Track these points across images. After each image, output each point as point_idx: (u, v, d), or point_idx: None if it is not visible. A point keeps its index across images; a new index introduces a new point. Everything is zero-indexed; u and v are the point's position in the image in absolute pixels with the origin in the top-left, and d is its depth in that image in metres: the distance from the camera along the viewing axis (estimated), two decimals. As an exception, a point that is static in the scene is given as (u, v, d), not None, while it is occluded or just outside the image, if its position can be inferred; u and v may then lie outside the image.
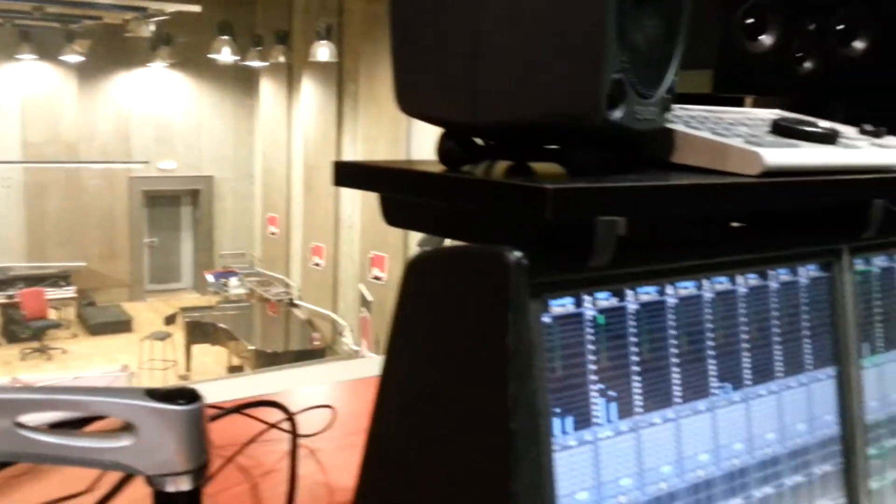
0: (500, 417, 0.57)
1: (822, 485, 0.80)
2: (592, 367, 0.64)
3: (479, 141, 0.72)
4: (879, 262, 0.88)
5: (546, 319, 0.61)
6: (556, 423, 0.61)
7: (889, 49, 1.20)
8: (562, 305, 0.62)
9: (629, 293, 0.67)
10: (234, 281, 12.78)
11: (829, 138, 0.83)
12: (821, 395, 0.81)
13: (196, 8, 10.06)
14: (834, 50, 1.16)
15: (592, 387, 0.64)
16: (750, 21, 1.11)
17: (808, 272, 0.80)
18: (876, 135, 0.95)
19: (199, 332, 10.85)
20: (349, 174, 0.76)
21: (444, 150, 0.71)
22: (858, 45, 1.18)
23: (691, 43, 1.13)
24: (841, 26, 1.17)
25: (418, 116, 0.73)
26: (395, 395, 0.66)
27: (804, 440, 0.79)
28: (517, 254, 0.58)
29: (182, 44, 11.71)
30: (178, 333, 11.17)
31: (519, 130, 0.68)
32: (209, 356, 10.97)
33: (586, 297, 0.64)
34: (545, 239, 0.61)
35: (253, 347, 10.16)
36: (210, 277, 13.47)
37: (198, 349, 10.90)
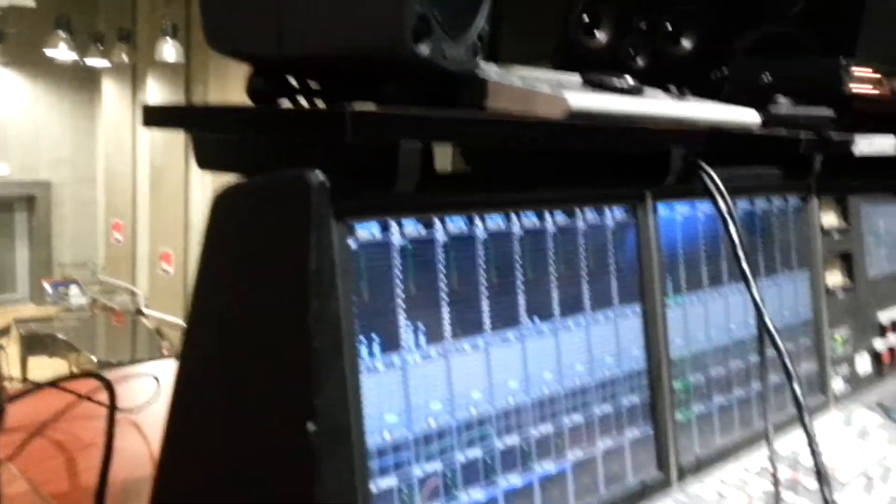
0: (304, 336, 0.57)
1: (630, 415, 0.84)
2: (400, 293, 0.65)
3: (292, 81, 0.72)
4: (682, 208, 0.93)
5: (352, 244, 0.62)
6: (363, 345, 0.62)
7: (713, 48, 1.27)
8: (368, 231, 0.63)
9: (438, 224, 0.68)
10: (74, 290, 12.10)
11: (634, 91, 0.87)
12: (627, 330, 0.85)
13: (30, 2, 9.50)
14: (663, 48, 1.22)
15: (400, 313, 0.65)
16: (586, 18, 1.15)
17: (614, 214, 0.84)
18: (680, 95, 1.01)
19: (36, 344, 10.20)
20: (157, 115, 0.74)
21: (252, 87, 0.70)
22: (686, 43, 1.26)
23: (531, 38, 1.16)
24: (670, 25, 1.23)
25: (228, 54, 0.71)
26: (203, 329, 0.65)
27: (612, 372, 0.83)
28: (319, 175, 0.58)
29: (15, 41, 11.02)
30: (13, 347, 10.49)
31: (327, 64, 0.68)
32: (47, 369, 10.35)
33: (393, 225, 0.65)
34: (351, 166, 0.61)
35: (96, 359, 9.65)
36: (48, 287, 12.72)
37: (34, 362, 10.26)
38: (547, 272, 0.77)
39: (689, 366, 0.92)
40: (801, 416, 0.74)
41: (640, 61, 1.26)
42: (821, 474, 0.70)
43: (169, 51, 10.00)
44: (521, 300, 0.74)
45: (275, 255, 0.60)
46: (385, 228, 0.64)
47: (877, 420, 1.13)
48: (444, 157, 0.95)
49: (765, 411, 0.85)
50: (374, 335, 0.63)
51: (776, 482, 0.78)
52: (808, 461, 0.94)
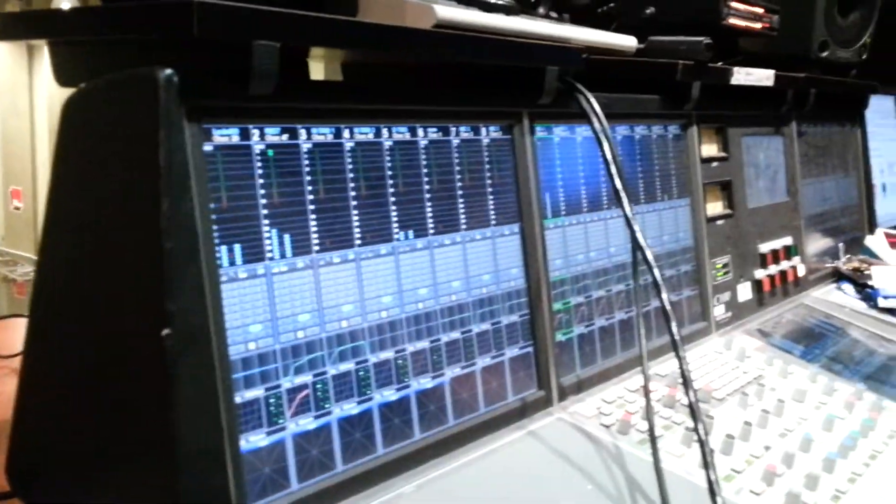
0: (155, 236, 0.55)
1: (510, 333, 0.85)
2: (263, 201, 0.63)
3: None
4: (560, 131, 0.94)
5: (207, 147, 0.60)
6: (224, 253, 0.60)
7: None
8: (226, 135, 0.61)
9: (303, 132, 0.66)
10: (-28, 263, 11.55)
11: (508, 10, 0.87)
12: (505, 250, 0.85)
13: None
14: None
15: (264, 221, 0.63)
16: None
17: (489, 133, 0.84)
18: (559, 20, 1.01)
19: (-68, 319, 9.75)
20: (11, 25, 0.70)
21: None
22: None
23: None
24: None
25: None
26: (58, 233, 0.62)
27: (490, 291, 0.83)
28: (167, 71, 0.55)
29: None
30: None
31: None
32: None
33: (254, 131, 0.63)
34: (206, 65, 0.59)
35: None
36: (-58, 261, 12.09)
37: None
38: (420, 187, 0.76)
39: (570, 287, 0.93)
40: (669, 330, 0.75)
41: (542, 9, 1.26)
42: (686, 380, 0.72)
43: (65, 3, 9.53)
44: (394, 214, 0.73)
45: (125, 156, 0.58)
46: (245, 133, 0.62)
47: (755, 344, 1.17)
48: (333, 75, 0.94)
49: (637, 326, 0.86)
50: (235, 243, 0.61)
51: (647, 394, 0.79)
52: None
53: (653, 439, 0.76)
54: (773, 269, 1.33)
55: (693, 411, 0.69)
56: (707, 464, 0.66)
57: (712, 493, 0.64)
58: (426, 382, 0.75)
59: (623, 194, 0.82)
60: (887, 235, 1.62)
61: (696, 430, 0.68)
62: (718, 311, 1.19)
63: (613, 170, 0.84)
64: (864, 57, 1.64)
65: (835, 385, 1.04)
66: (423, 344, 0.75)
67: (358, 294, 0.70)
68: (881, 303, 1.40)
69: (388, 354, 0.72)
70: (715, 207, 1.22)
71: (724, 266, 1.22)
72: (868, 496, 0.80)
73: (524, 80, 0.86)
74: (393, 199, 0.74)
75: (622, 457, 0.80)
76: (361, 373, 0.70)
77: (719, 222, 1.21)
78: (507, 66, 0.84)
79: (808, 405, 0.98)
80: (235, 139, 0.62)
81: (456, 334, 0.79)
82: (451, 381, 0.78)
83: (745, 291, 1.26)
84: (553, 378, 0.88)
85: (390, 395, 0.72)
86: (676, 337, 0.74)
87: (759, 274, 1.30)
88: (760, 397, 0.98)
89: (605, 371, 0.96)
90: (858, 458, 0.87)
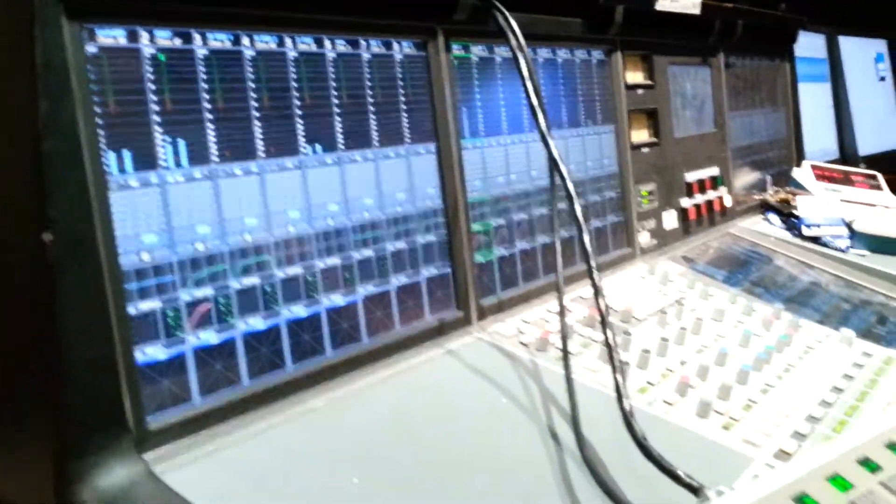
0: (33, 138, 0.52)
1: (426, 253, 0.84)
2: (156, 107, 0.61)
3: None
4: (478, 51, 0.92)
5: (92, 49, 0.57)
6: (113, 160, 0.58)
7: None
8: (111, 36, 0.58)
9: (197, 37, 0.64)
10: None
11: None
12: (421, 168, 0.84)
13: None
14: None
15: (157, 128, 0.61)
16: None
17: (402, 48, 0.82)
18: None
19: None
20: None
21: None
22: None
23: None
24: None
25: None
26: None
27: (405, 209, 0.82)
28: (41, -36, 0.52)
29: None
30: None
31: None
32: None
33: (143, 33, 0.60)
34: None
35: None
36: None
37: None
38: (329, 101, 0.74)
39: (490, 209, 0.92)
40: (580, 242, 0.75)
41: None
42: (595, 287, 0.71)
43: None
44: (300, 127, 0.71)
45: (2, 55, 0.55)
46: (133, 35, 0.59)
47: (679, 269, 1.18)
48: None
49: (555, 246, 0.86)
50: (124, 149, 0.59)
51: (562, 311, 0.79)
52: (609, 300, 0.97)
53: (565, 351, 0.76)
54: (699, 198, 1.34)
55: (602, 318, 0.69)
56: (614, 368, 0.66)
57: (619, 395, 0.64)
58: (338, 300, 0.74)
59: (539, 111, 0.81)
60: (814, 168, 1.64)
61: (604, 334, 0.68)
62: (644, 238, 1.19)
63: (529, 86, 0.83)
64: (792, -10, 1.65)
65: (754, 306, 1.06)
66: (335, 261, 0.74)
67: (263, 207, 0.68)
68: (805, 231, 1.42)
69: (296, 270, 0.71)
70: (640, 135, 1.22)
71: (650, 193, 1.22)
72: (779, 406, 0.81)
73: (438, -5, 0.84)
74: (300, 112, 0.71)
75: (538, 372, 0.80)
76: (267, 288, 0.68)
77: (645, 150, 1.21)
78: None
79: (727, 324, 0.99)
80: (123, 41, 0.59)
81: (369, 252, 0.77)
82: (364, 299, 0.77)
83: (670, 219, 1.27)
84: (472, 299, 0.88)
85: (299, 311, 0.71)
86: (588, 247, 0.73)
87: (686, 203, 1.31)
88: (680, 317, 0.99)
89: (527, 293, 0.95)
90: (772, 371, 0.88)
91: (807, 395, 0.84)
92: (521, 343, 0.86)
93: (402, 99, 0.82)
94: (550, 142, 0.80)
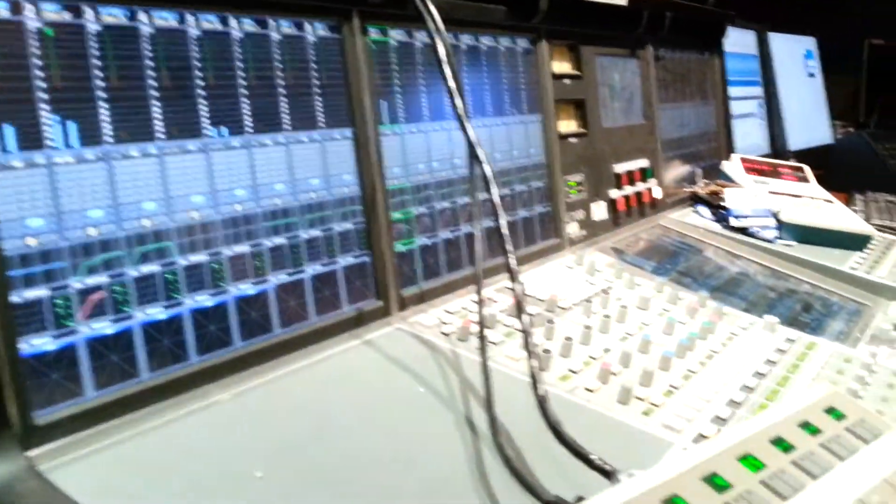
0: None
1: (343, 241, 0.81)
2: (42, 84, 0.57)
3: None
4: (397, 35, 0.90)
5: (-32, 19, 0.53)
6: (-8, 138, 0.54)
7: None
8: (-10, 7, 0.55)
9: (88, 10, 0.61)
10: None
11: None
12: (337, 154, 0.81)
13: None
14: None
15: (43, 107, 0.57)
16: None
17: (315, 30, 0.80)
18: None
19: None
20: None
21: None
22: None
23: None
24: None
25: None
26: None
27: (320, 196, 0.79)
28: None
29: None
30: None
31: None
32: None
33: (27, 5, 0.57)
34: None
35: None
36: None
37: None
38: (235, 83, 0.71)
39: (410, 197, 0.90)
40: (498, 228, 0.73)
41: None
42: (512, 272, 0.70)
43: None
44: (204, 109, 0.69)
45: None
46: (16, 7, 0.56)
47: (608, 260, 1.17)
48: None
49: (475, 222, 0.84)
50: (6, 128, 0.55)
51: (479, 296, 0.77)
52: (533, 290, 0.96)
53: (482, 337, 0.74)
54: (628, 189, 1.34)
55: (518, 303, 0.68)
56: (529, 353, 0.65)
57: (534, 380, 0.63)
58: (247, 289, 0.71)
59: (456, 95, 0.79)
60: (743, 161, 1.65)
61: (519, 319, 0.67)
62: (572, 229, 1.19)
63: (447, 70, 0.81)
64: (720, -15, 1.66)
65: (680, 294, 1.06)
66: (243, 248, 0.71)
67: (163, 191, 0.65)
68: (733, 222, 1.43)
69: (200, 257, 0.68)
70: (568, 125, 1.21)
71: (578, 184, 1.21)
72: (701, 391, 0.80)
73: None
74: (203, 93, 0.69)
75: (459, 362, 0.79)
76: (168, 276, 0.65)
77: (572, 140, 1.21)
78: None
79: (652, 312, 0.99)
80: (5, 13, 0.56)
81: (281, 239, 0.75)
82: (276, 288, 0.74)
83: (599, 210, 1.26)
84: (392, 289, 0.86)
85: (204, 300, 0.68)
86: (504, 231, 0.72)
87: (615, 194, 1.31)
88: (605, 306, 0.98)
89: (450, 283, 0.94)
90: (695, 357, 0.88)
91: (729, 380, 0.84)
92: (443, 333, 0.84)
93: (316, 82, 0.79)
94: (468, 126, 0.78)
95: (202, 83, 0.68)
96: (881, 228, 1.69)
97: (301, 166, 0.77)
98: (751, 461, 0.54)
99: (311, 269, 0.77)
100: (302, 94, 0.78)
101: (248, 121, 0.72)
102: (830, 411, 0.63)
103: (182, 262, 0.66)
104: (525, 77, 1.11)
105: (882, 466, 0.58)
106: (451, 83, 0.80)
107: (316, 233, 0.78)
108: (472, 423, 0.68)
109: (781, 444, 0.57)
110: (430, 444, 0.65)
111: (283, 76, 0.76)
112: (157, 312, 0.64)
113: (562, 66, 1.20)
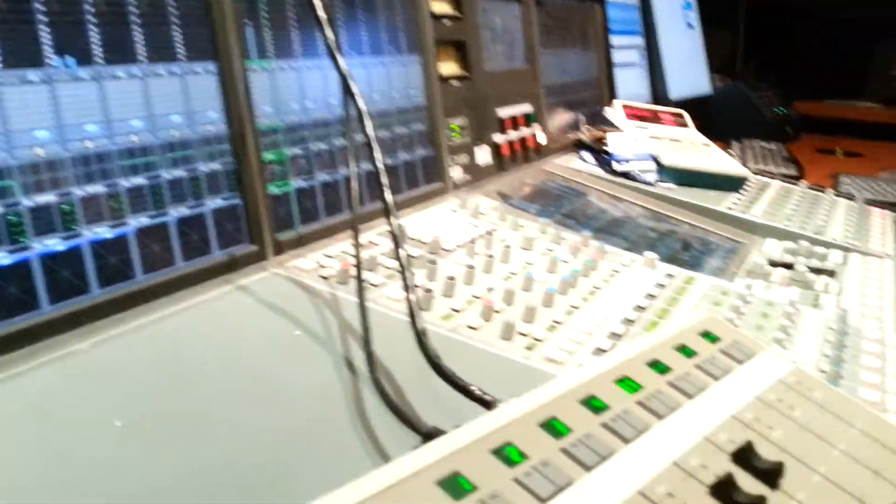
0: None
1: (211, 183, 0.77)
2: None
3: None
4: (263, -34, 0.85)
5: None
6: None
7: None
8: None
9: None
10: None
11: None
12: (200, 90, 0.77)
13: None
14: None
15: None
16: None
17: (172, -44, 0.74)
18: None
19: None
20: None
21: None
22: None
23: None
24: None
25: None
26: None
27: (182, 134, 0.74)
28: None
29: None
30: None
31: None
32: None
33: None
34: None
35: None
36: None
37: None
38: (81, 7, 0.66)
39: (283, 137, 0.86)
40: (374, 168, 0.71)
41: None
42: (387, 207, 0.68)
43: None
44: (45, 36, 0.63)
45: None
46: None
47: (492, 203, 1.16)
48: None
49: (350, 168, 0.81)
50: None
51: (355, 235, 0.75)
52: (416, 233, 0.94)
53: (359, 278, 0.72)
54: (512, 134, 1.33)
55: (394, 237, 0.65)
56: (406, 288, 0.63)
57: (411, 314, 0.61)
58: (103, 232, 0.66)
59: (326, 25, 0.76)
60: (624, 107, 1.67)
61: (396, 255, 0.65)
62: (456, 173, 1.17)
63: (317, 1, 0.77)
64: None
65: (563, 235, 1.05)
66: (98, 188, 0.66)
67: (1, 126, 0.59)
68: (616, 167, 1.45)
69: (47, 198, 0.62)
70: (449, 67, 1.19)
71: (461, 128, 1.19)
72: (583, 325, 0.80)
73: None
74: (44, 18, 0.63)
75: (337, 304, 0.76)
76: (12, 218, 0.60)
77: (454, 83, 1.18)
78: None
79: (536, 252, 0.98)
80: None
81: (141, 180, 0.70)
82: (137, 231, 0.69)
83: (483, 155, 1.25)
84: (267, 232, 0.82)
85: (55, 244, 0.63)
86: (379, 164, 0.69)
87: (499, 138, 1.29)
88: (489, 247, 0.97)
89: (329, 227, 0.90)
90: (578, 293, 0.88)
91: (610, 314, 0.84)
92: (321, 277, 0.81)
93: (174, 12, 0.74)
94: (339, 58, 0.74)
95: (43, 8, 0.62)
96: (756, 172, 1.74)
97: (160, 102, 0.72)
98: (628, 383, 0.54)
99: (176, 212, 0.73)
100: (159, 23, 0.72)
101: (97, 50, 0.67)
102: (706, 335, 0.64)
103: (27, 202, 0.61)
104: (403, 16, 1.07)
105: (755, 384, 0.59)
106: (321, 13, 0.76)
107: (180, 173, 0.74)
108: (351, 363, 0.65)
109: (658, 367, 0.57)
110: (305, 386, 0.62)
111: (136, 3, 0.70)
112: (1, 258, 0.59)
113: (442, 7, 1.17)
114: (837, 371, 0.78)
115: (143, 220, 0.70)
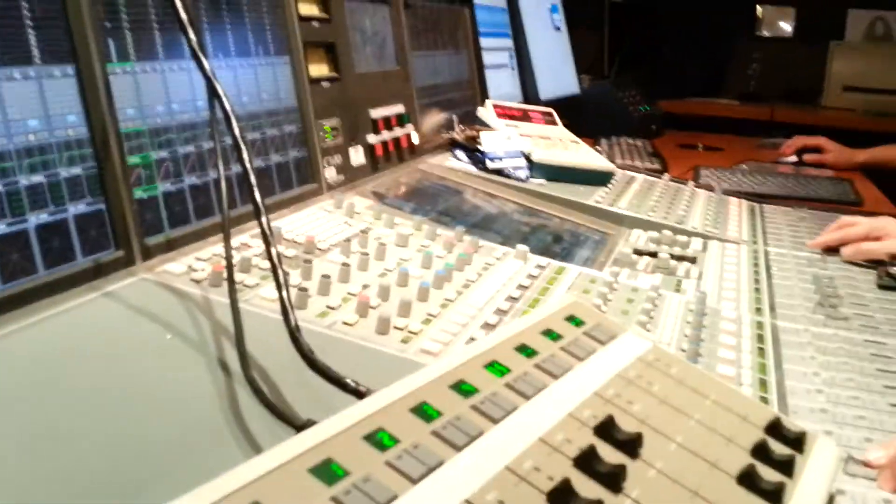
0: None
1: (72, 188, 0.75)
2: None
3: None
4: (121, -34, 0.83)
5: None
6: None
7: None
8: None
9: None
10: None
11: None
12: (57, 93, 0.74)
13: None
14: None
15: None
16: None
17: (22, -45, 0.72)
18: None
19: None
20: None
21: None
22: None
23: None
24: None
25: None
26: None
27: (40, 138, 0.72)
28: None
29: None
30: None
31: None
32: None
33: None
34: None
35: None
36: None
37: None
38: (-77, 8, 0.63)
39: (148, 140, 0.85)
40: (243, 169, 0.70)
41: None
42: (257, 207, 0.68)
43: None
44: None
45: None
46: None
47: (367, 203, 1.17)
48: None
49: (219, 181, 0.80)
50: None
51: (226, 235, 0.74)
52: (290, 234, 0.94)
53: (230, 278, 0.71)
54: (386, 134, 1.34)
55: (264, 234, 0.66)
56: (278, 285, 0.63)
57: (284, 310, 0.61)
58: (-43, 241, 0.64)
59: (189, 27, 0.75)
60: (495, 106, 1.71)
61: (268, 253, 0.65)
62: (330, 174, 1.17)
63: (178, 2, 0.76)
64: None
65: (438, 231, 1.07)
66: (-52, 196, 0.63)
67: None
68: (489, 165, 1.48)
69: None
70: (319, 69, 1.19)
71: (334, 129, 1.20)
72: (457, 317, 0.82)
73: None
74: None
75: (210, 306, 0.75)
76: None
77: (325, 84, 1.19)
78: None
79: (411, 248, 1.00)
80: None
81: (-4, 186, 0.67)
82: (-7, 240, 0.67)
83: (357, 155, 1.26)
84: (134, 237, 0.80)
85: None
86: (247, 164, 0.69)
87: (372, 139, 1.30)
88: (364, 245, 0.98)
89: (200, 230, 0.89)
90: (452, 287, 0.90)
91: (484, 305, 0.86)
92: (193, 280, 0.80)
93: (28, 13, 0.72)
94: (203, 59, 0.74)
95: None
96: (623, 167, 1.81)
97: (14, 106, 0.70)
98: (497, 367, 0.56)
99: (36, 219, 0.71)
100: (12, 25, 0.70)
101: (-57, 52, 0.64)
102: (571, 319, 0.67)
103: None
104: (270, 17, 1.07)
105: (616, 363, 0.62)
106: (183, 14, 0.75)
107: (39, 179, 0.71)
108: (224, 363, 0.65)
109: (525, 351, 0.59)
110: (178, 389, 0.62)
111: (-15, 4, 0.68)
112: None
113: (310, 9, 1.17)
114: (696, 349, 0.83)
115: (0, 228, 0.67)
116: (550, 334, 0.63)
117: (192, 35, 0.74)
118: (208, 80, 0.74)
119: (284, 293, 0.62)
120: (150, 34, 0.86)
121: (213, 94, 0.75)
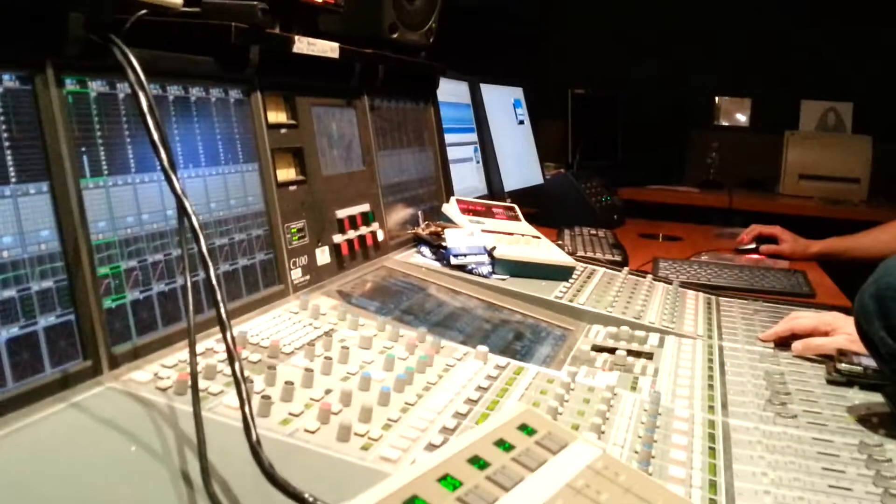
0: None
1: (43, 301, 0.77)
2: None
3: None
4: (97, 86, 0.88)
5: None
6: None
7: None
8: None
9: None
10: None
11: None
12: (32, 210, 0.77)
13: None
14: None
15: None
16: None
17: (3, 81, 0.76)
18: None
19: None
20: None
21: None
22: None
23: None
24: None
25: None
26: None
27: (13, 255, 0.75)
28: None
29: None
30: None
31: None
32: None
33: None
34: None
35: None
36: None
37: None
38: None
39: (118, 251, 0.88)
40: (207, 276, 0.74)
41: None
42: (223, 323, 0.71)
43: None
44: None
45: None
46: None
47: (332, 303, 1.20)
48: None
49: (185, 274, 0.83)
50: None
51: (192, 345, 0.77)
52: (255, 338, 0.96)
53: (194, 388, 0.73)
54: (351, 233, 1.38)
55: (228, 350, 0.68)
56: (241, 401, 0.65)
57: (246, 426, 0.64)
58: (-72, 358, 0.66)
59: (160, 147, 0.79)
60: (459, 202, 1.76)
61: (231, 367, 0.67)
62: (296, 275, 1.20)
63: (150, 122, 0.80)
64: (431, 40, 1.77)
65: (401, 332, 1.10)
66: (-79, 315, 0.66)
67: None
68: (453, 261, 1.52)
69: None
70: (287, 173, 1.24)
71: (300, 231, 1.24)
72: (417, 422, 0.85)
73: (46, 26, 0.79)
74: None
75: (174, 415, 0.77)
76: None
77: (292, 188, 1.23)
78: (20, 9, 0.76)
79: (374, 351, 1.03)
80: None
81: (-32, 303, 0.70)
82: (-36, 355, 0.69)
83: (323, 255, 1.29)
84: (102, 347, 0.83)
85: None
86: (213, 279, 0.72)
87: (338, 238, 1.34)
88: (328, 348, 1.01)
89: (167, 337, 0.92)
90: (413, 390, 0.92)
91: (443, 409, 0.89)
92: (158, 388, 0.82)
93: (5, 135, 0.75)
94: (174, 180, 0.78)
95: None
96: (584, 259, 1.87)
97: (-10, 224, 0.73)
98: (450, 481, 0.59)
99: (6, 333, 0.73)
100: (-12, 147, 0.73)
101: (-77, 177, 0.67)
102: (523, 427, 0.70)
103: None
104: (240, 127, 1.12)
105: (565, 473, 0.65)
106: (155, 135, 0.80)
107: (10, 293, 0.74)
108: (188, 476, 0.67)
109: (478, 463, 0.62)
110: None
111: (-36, 129, 0.71)
112: None
113: (278, 116, 1.22)
114: (649, 452, 0.86)
115: (-30, 344, 0.69)
116: (503, 444, 0.66)
117: (163, 155, 0.78)
118: (178, 198, 0.78)
119: (247, 409, 0.65)
120: (122, 149, 0.90)
121: (182, 212, 0.78)
